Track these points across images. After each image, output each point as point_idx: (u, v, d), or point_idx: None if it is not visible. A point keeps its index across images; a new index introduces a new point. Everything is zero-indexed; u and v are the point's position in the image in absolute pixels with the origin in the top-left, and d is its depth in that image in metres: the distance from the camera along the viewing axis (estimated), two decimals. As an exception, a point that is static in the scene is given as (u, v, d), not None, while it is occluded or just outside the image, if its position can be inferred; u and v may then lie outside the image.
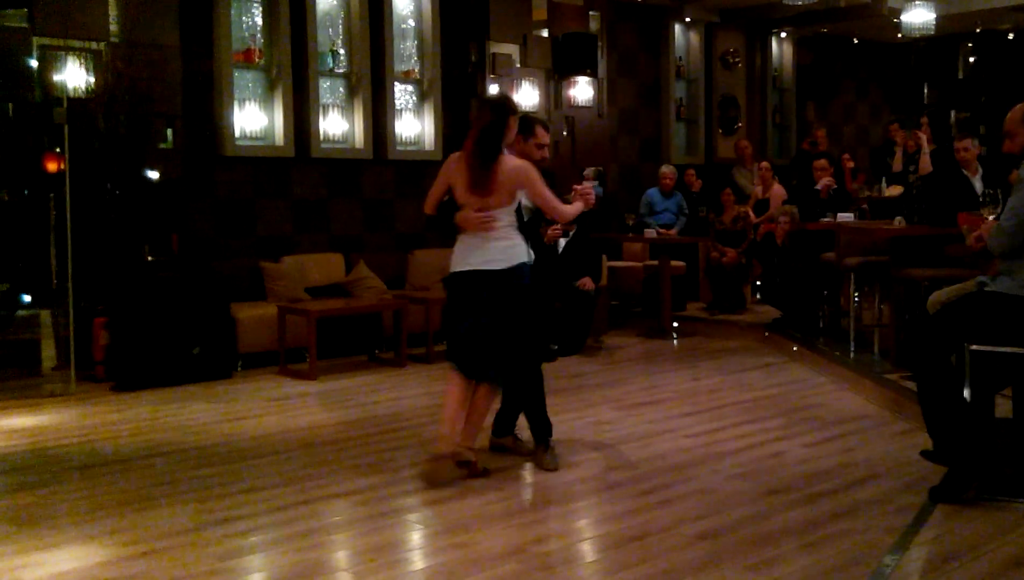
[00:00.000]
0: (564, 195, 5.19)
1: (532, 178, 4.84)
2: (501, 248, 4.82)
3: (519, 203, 4.96)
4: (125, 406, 6.71)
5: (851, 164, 10.85)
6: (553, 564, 3.81)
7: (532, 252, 5.01)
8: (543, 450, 5.15)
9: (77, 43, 7.48)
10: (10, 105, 7.68)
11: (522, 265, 4.87)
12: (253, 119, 8.65)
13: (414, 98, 9.71)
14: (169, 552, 3.94)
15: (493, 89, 9.78)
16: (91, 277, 7.43)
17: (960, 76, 15.39)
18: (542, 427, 5.21)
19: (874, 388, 6.65)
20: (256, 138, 8.70)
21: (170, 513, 4.42)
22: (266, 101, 8.75)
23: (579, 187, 4.97)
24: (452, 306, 5.01)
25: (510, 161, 4.82)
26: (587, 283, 8.50)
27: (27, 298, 7.60)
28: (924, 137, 9.82)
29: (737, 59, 12.91)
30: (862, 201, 9.82)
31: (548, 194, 4.87)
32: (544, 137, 5.17)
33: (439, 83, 9.65)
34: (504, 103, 5.00)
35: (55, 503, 4.63)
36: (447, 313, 5.15)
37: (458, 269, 4.90)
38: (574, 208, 4.98)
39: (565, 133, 10.63)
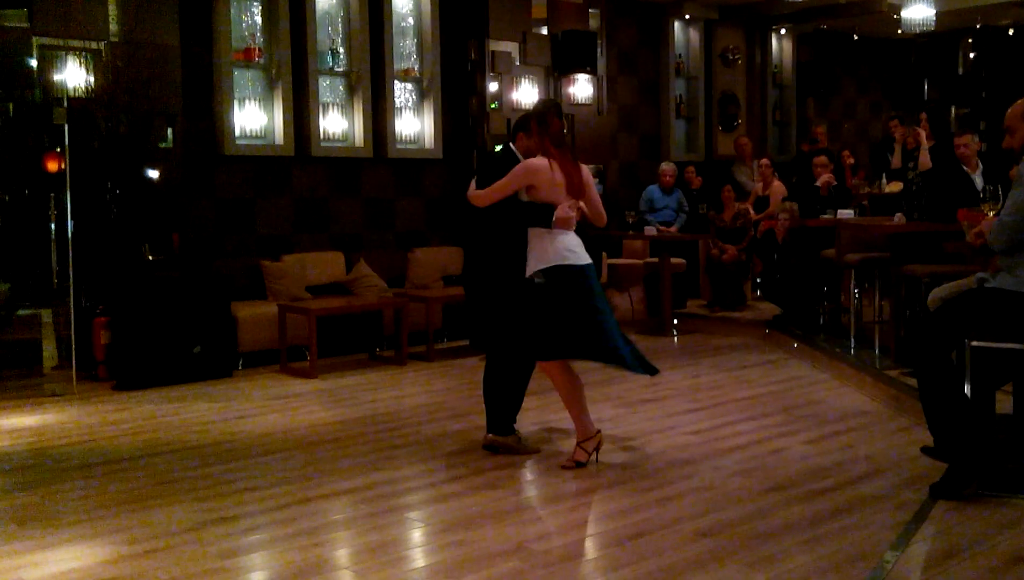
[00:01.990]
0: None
1: (592, 180, 5.22)
2: (577, 243, 5.06)
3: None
4: (126, 405, 6.71)
5: (851, 161, 10.85)
6: (553, 561, 3.81)
7: None
8: (495, 437, 5.30)
9: (77, 43, 7.49)
10: (10, 105, 7.68)
11: None
12: (253, 118, 8.66)
13: (414, 96, 9.71)
14: (170, 551, 3.95)
15: (493, 87, 9.78)
16: (92, 277, 7.44)
17: (960, 72, 15.37)
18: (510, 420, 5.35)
19: (875, 385, 6.65)
20: (256, 137, 8.70)
21: (171, 512, 4.43)
22: (266, 100, 8.75)
23: (560, 215, 4.97)
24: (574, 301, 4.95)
25: (581, 165, 5.15)
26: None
27: (26, 299, 7.60)
28: (923, 133, 9.81)
29: (737, 56, 12.90)
30: (862, 197, 9.82)
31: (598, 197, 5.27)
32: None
33: (439, 81, 9.65)
34: (560, 107, 5.36)
35: (56, 502, 4.64)
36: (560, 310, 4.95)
37: (579, 262, 4.99)
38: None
39: (565, 130, 10.60)
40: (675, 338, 9.49)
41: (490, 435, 5.30)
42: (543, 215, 4.94)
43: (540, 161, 4.99)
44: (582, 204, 5.04)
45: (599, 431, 5.12)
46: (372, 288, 8.80)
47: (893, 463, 5.05)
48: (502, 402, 5.30)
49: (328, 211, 9.08)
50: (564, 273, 4.93)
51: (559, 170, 4.96)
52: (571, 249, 4.96)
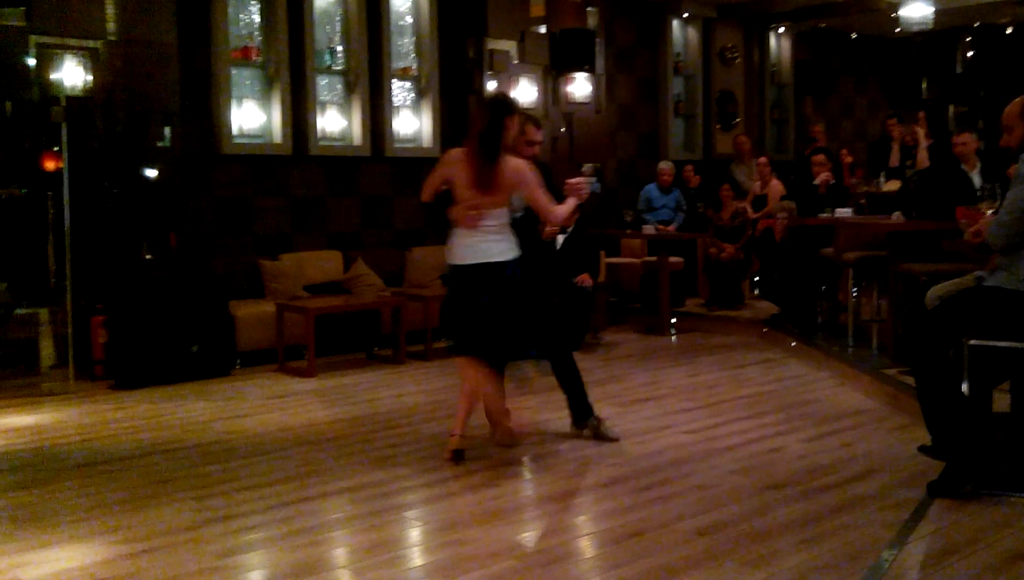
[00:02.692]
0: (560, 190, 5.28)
1: (528, 179, 4.96)
2: (494, 242, 4.98)
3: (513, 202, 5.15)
4: (124, 404, 6.71)
5: (849, 159, 10.85)
6: (550, 561, 3.81)
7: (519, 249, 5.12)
8: (584, 425, 5.57)
9: (75, 42, 7.48)
10: (8, 104, 7.68)
11: (515, 259, 5.03)
12: (251, 117, 8.65)
13: (412, 95, 9.71)
14: (168, 550, 3.94)
15: (491, 85, 9.77)
16: (89, 276, 7.43)
17: (958, 70, 15.38)
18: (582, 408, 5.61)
19: (872, 383, 6.65)
20: (254, 136, 8.69)
21: (169, 511, 4.42)
22: (264, 99, 8.74)
23: (572, 181, 5.06)
24: (455, 300, 5.12)
25: (511, 161, 4.95)
26: (585, 280, 8.49)
27: (24, 298, 7.59)
28: (921, 131, 9.82)
29: (735, 55, 12.89)
30: (860, 196, 9.82)
31: (541, 195, 4.99)
32: (534, 134, 5.32)
33: (437, 80, 9.65)
34: (501, 102, 5.13)
35: (54, 501, 4.63)
36: (448, 307, 5.21)
37: (458, 263, 5.05)
38: (566, 207, 5.07)
39: (563, 129, 10.62)
40: (673, 337, 9.49)
41: (575, 427, 5.60)
42: (442, 211, 5.07)
43: (455, 152, 5.07)
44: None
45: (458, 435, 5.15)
46: (370, 287, 8.80)
47: (890, 461, 5.05)
48: (575, 391, 5.56)
49: (326, 210, 9.08)
50: (454, 272, 5.04)
51: (467, 165, 4.94)
52: (463, 249, 4.97)
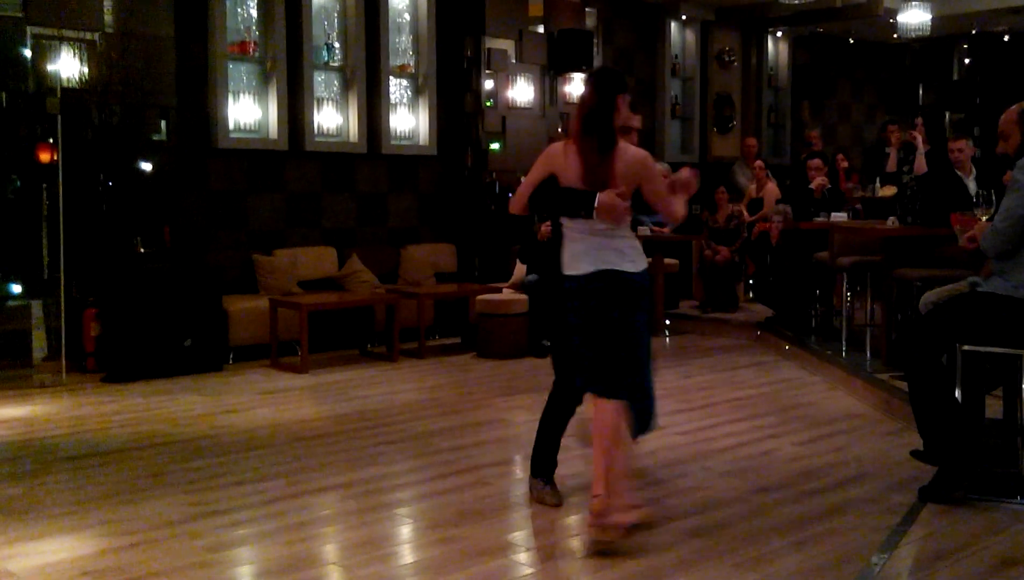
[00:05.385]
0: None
1: (653, 172, 4.18)
2: (631, 246, 4.21)
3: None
4: (115, 397, 6.69)
5: (845, 164, 10.86)
6: (542, 560, 3.81)
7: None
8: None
9: (71, 33, 7.45)
10: (3, 95, 7.63)
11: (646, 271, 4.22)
12: (247, 112, 8.62)
13: (409, 92, 9.70)
14: (158, 543, 3.93)
15: (488, 84, 9.77)
16: (83, 268, 7.41)
17: (955, 77, 15.42)
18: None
19: (865, 387, 6.65)
20: (250, 131, 8.66)
21: (159, 505, 4.41)
22: (260, 94, 8.72)
23: (679, 177, 4.28)
24: (582, 315, 4.11)
25: (628, 150, 4.10)
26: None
27: (17, 289, 7.55)
28: (919, 137, 9.83)
29: (733, 58, 12.90)
30: (856, 201, 9.83)
31: (665, 192, 4.23)
32: (630, 119, 4.35)
33: (434, 78, 9.64)
34: (612, 76, 4.16)
35: (44, 494, 4.62)
36: (563, 328, 4.25)
37: (593, 269, 4.10)
38: (682, 205, 4.37)
39: (560, 129, 10.61)
40: (667, 339, 9.48)
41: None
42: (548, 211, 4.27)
43: (557, 145, 4.18)
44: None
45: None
46: (364, 284, 8.79)
47: (882, 466, 5.06)
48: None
49: (321, 206, 9.06)
50: (574, 284, 4.20)
51: (576, 157, 4.04)
52: (582, 256, 4.18)
